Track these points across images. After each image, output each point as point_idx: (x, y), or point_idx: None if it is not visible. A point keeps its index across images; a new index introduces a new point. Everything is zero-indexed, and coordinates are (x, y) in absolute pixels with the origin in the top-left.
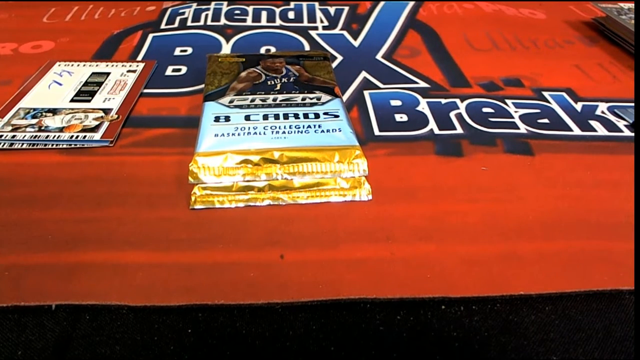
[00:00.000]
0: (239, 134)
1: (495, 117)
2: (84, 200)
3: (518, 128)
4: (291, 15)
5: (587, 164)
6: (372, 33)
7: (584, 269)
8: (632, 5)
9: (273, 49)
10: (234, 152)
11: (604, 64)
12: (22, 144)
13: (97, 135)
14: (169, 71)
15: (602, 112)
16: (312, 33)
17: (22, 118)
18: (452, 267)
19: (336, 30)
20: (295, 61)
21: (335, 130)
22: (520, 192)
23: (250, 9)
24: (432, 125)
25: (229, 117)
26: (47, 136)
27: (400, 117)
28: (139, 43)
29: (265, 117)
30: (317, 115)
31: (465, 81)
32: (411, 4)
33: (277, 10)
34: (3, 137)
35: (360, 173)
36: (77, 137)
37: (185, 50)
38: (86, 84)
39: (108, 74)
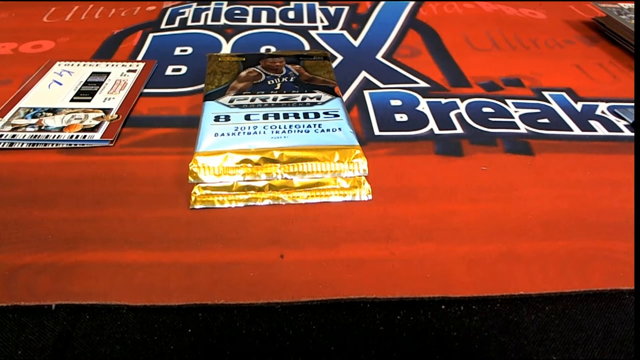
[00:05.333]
0: (239, 134)
1: (495, 117)
2: (84, 200)
3: (518, 128)
4: (291, 15)
5: (587, 164)
6: (372, 33)
7: (584, 268)
8: (632, 5)
9: (273, 49)
10: (234, 151)
11: (604, 64)
12: (22, 143)
13: (97, 135)
14: (169, 71)
15: (602, 112)
16: (312, 33)
17: (22, 118)
18: (452, 267)
19: (336, 30)
20: (296, 61)
21: (335, 130)
22: (520, 192)
23: (250, 8)
24: (432, 125)
25: (229, 116)
26: (47, 136)
27: (400, 117)
28: (139, 43)
29: (265, 116)
30: (317, 115)
31: (466, 81)
32: (411, 3)
33: (277, 10)
34: (3, 137)
35: (360, 173)
36: (77, 136)
37: (185, 50)
38: (86, 83)
39: (108, 73)
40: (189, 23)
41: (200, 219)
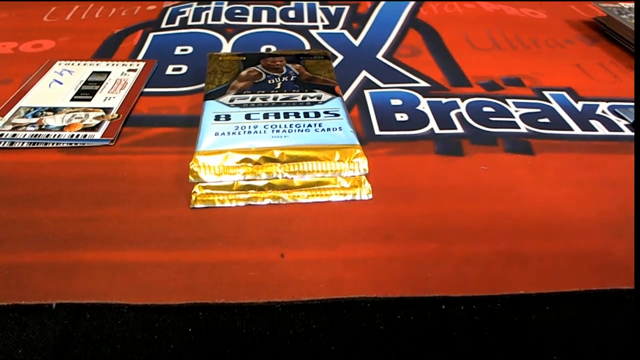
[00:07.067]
0: (239, 133)
1: (495, 117)
2: (84, 199)
3: (518, 127)
4: (292, 14)
5: (587, 163)
6: (373, 32)
7: (584, 268)
8: (632, 4)
9: (273, 48)
10: (234, 150)
11: (605, 64)
12: (23, 142)
13: (97, 134)
14: (169, 70)
15: (603, 111)
16: (313, 32)
17: (23, 117)
18: (452, 267)
19: (337, 30)
20: (296, 60)
21: (336, 129)
22: (521, 191)
23: (250, 8)
24: (433, 124)
25: (229, 115)
26: (48, 135)
27: (401, 117)
28: (140, 42)
29: (266, 115)
30: (317, 114)
31: (466, 80)
32: (412, 3)
33: (278, 10)
34: (3, 136)
35: (360, 172)
36: (78, 136)
37: (185, 50)
38: (87, 83)
39: (108, 73)
40: (190, 22)
41: (201, 219)
